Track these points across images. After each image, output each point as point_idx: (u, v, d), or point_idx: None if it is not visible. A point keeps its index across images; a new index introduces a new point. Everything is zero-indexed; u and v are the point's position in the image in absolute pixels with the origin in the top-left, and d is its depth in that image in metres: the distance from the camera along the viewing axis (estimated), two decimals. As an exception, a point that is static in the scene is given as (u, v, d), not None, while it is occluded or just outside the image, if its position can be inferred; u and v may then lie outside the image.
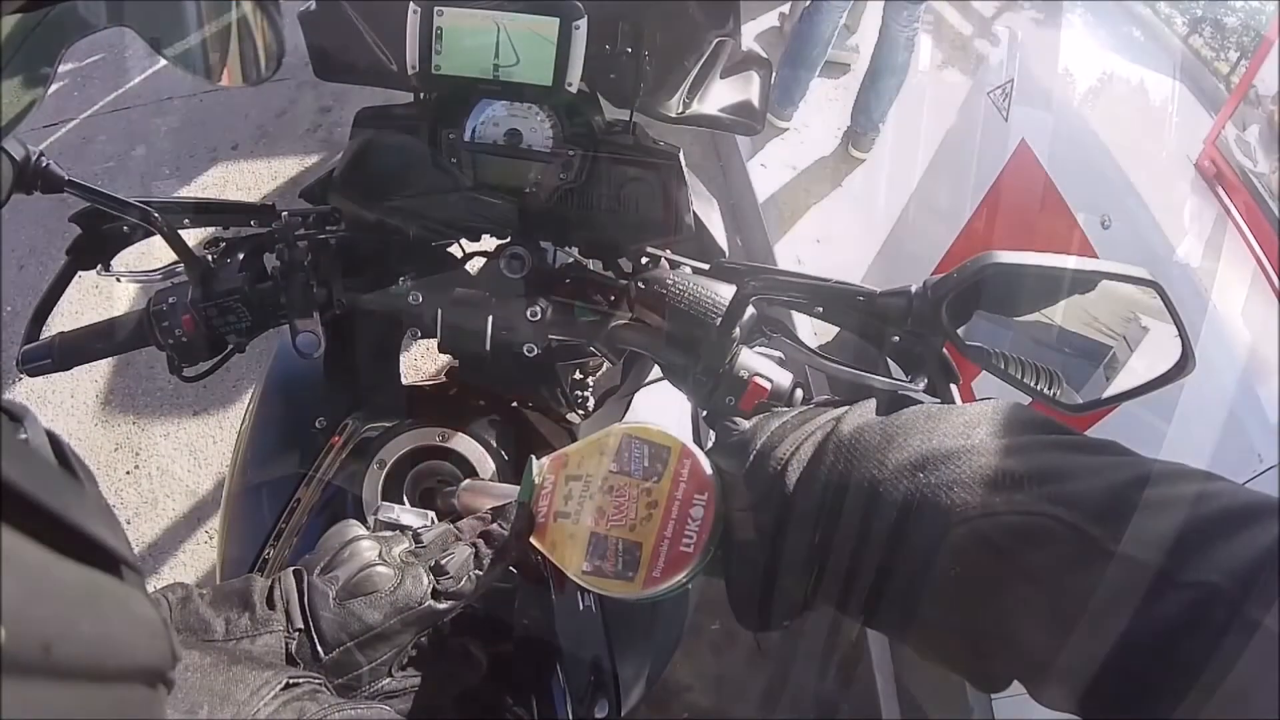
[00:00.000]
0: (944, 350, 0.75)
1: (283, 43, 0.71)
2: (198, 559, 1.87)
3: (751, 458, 0.46)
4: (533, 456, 0.54)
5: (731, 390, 0.67)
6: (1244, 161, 1.38)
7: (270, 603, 0.48)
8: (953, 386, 0.75)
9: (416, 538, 0.53)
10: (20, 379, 2.07)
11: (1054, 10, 4.95)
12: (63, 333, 0.79)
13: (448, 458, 0.75)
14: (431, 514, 0.65)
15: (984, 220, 1.79)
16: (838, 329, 0.76)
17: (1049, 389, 0.60)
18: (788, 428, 0.46)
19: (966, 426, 0.40)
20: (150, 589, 0.35)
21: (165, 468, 2.00)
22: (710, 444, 0.90)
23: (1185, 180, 1.47)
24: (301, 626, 0.47)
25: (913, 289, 0.58)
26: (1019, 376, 0.60)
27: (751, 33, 3.79)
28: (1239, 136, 1.40)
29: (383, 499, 0.73)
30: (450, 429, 0.75)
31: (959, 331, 0.59)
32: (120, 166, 2.80)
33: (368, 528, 0.61)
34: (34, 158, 0.69)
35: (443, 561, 0.50)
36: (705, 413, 0.71)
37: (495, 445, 0.76)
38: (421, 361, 2.19)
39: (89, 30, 0.52)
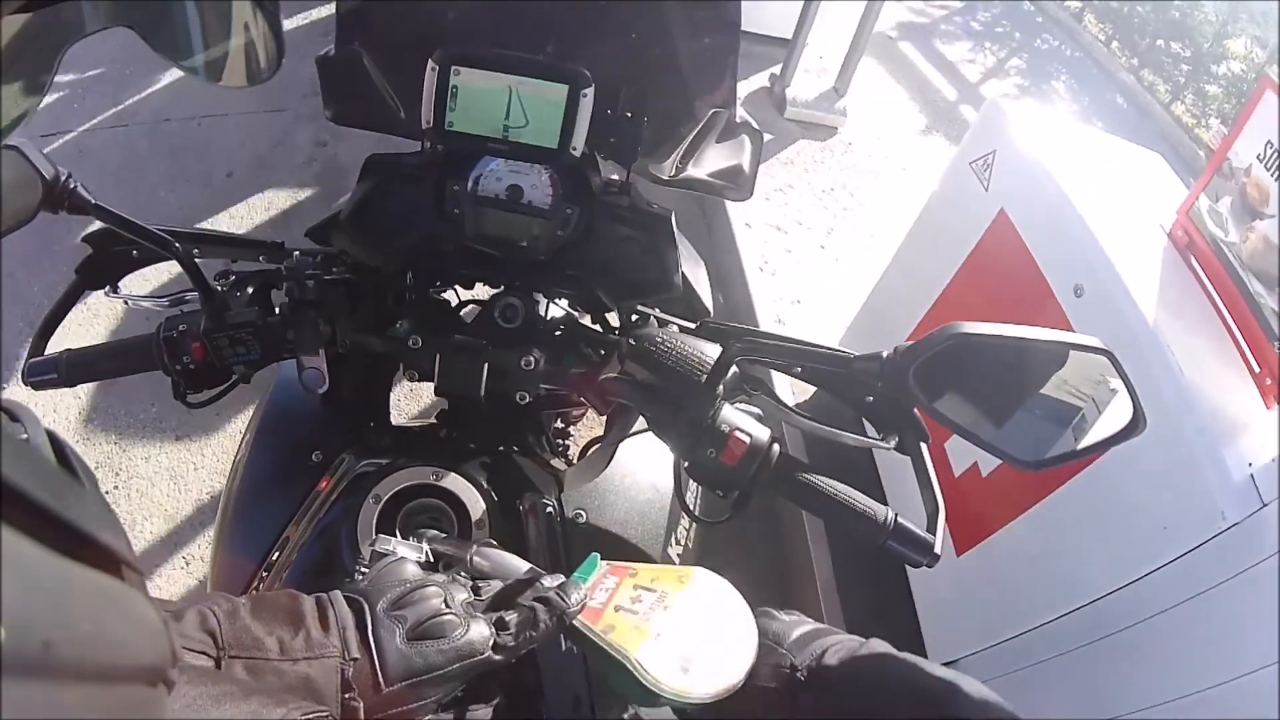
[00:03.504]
0: (915, 411, 0.79)
1: (283, 44, 0.72)
2: (174, 583, 1.85)
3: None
4: (596, 554, 0.64)
5: (713, 443, 0.70)
6: (1215, 231, 1.44)
7: (324, 624, 0.50)
8: (922, 445, 0.78)
9: (475, 590, 0.57)
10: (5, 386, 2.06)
11: (1041, 78, 5.13)
12: (70, 350, 0.81)
13: (440, 496, 0.77)
14: (426, 548, 0.67)
15: (962, 286, 1.84)
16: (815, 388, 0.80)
17: (1009, 448, 0.63)
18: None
19: None
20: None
21: (145, 490, 1.99)
22: (689, 491, 0.94)
23: (1158, 249, 1.54)
24: (357, 656, 0.49)
25: (884, 354, 0.61)
26: (981, 437, 0.63)
27: (743, 92, 3.91)
28: (1211, 207, 1.46)
29: (377, 532, 0.75)
30: (443, 469, 0.77)
31: (926, 394, 0.62)
32: (115, 182, 2.79)
33: (362, 557, 0.63)
34: (63, 178, 0.71)
35: (505, 618, 0.54)
36: (687, 464, 0.74)
37: (485, 486, 0.78)
38: (405, 403, 2.20)
39: (89, 31, 0.54)
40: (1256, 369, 1.32)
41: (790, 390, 2.31)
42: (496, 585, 0.58)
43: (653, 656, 0.54)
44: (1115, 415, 0.63)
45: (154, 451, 2.07)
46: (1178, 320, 1.36)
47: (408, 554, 0.64)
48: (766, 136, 3.35)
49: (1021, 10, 5.93)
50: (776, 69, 3.86)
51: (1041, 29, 5.76)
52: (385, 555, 0.63)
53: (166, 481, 2.01)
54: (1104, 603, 1.34)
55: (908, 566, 1.97)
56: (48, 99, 3.16)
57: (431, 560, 0.68)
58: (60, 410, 2.10)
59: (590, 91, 0.72)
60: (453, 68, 0.73)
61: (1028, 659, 1.51)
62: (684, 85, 0.84)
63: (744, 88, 3.94)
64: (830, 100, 3.82)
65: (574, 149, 0.75)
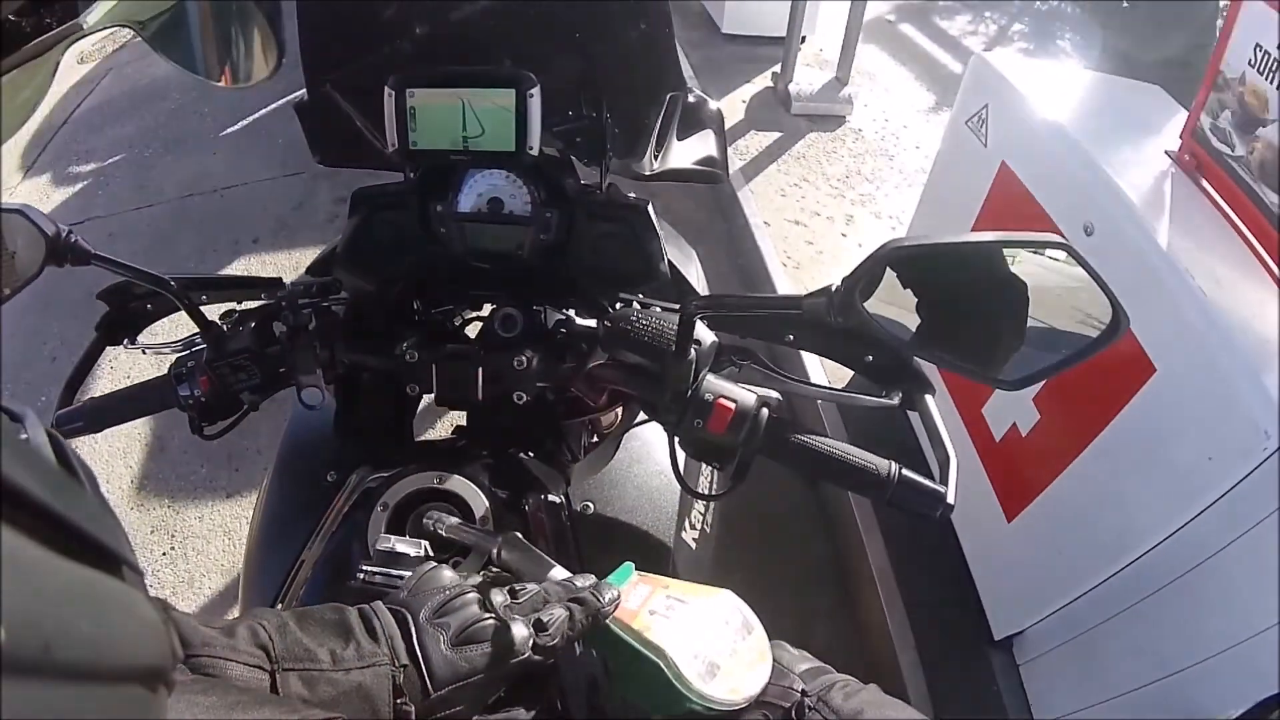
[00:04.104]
0: (916, 365, 0.78)
1: (283, 44, 0.75)
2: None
3: None
4: (630, 564, 0.66)
5: (699, 413, 0.70)
6: (1221, 148, 1.40)
7: (371, 635, 0.52)
8: (927, 398, 0.77)
9: (513, 592, 0.59)
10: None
11: (1046, 39, 5.05)
12: (93, 398, 0.86)
13: (445, 499, 0.79)
14: (424, 543, 0.70)
15: (978, 244, 1.81)
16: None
17: (986, 369, 0.62)
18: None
19: None
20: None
21: (201, 548, 2.06)
22: (702, 475, 0.93)
23: (1166, 176, 1.49)
24: (406, 663, 0.52)
25: (832, 287, 0.61)
26: (955, 360, 0.62)
27: (747, 93, 3.93)
28: (1214, 124, 1.42)
29: None
30: (447, 472, 0.79)
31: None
32: (146, 260, 2.91)
33: (369, 559, 0.66)
34: (64, 233, 0.77)
35: (544, 619, 0.56)
36: (680, 439, 0.74)
37: (488, 485, 0.79)
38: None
39: (89, 31, 0.55)
40: (1284, 277, 1.26)
41: (825, 376, 2.29)
42: (533, 587, 0.60)
43: (684, 659, 0.57)
44: (1093, 319, 0.61)
45: (207, 511, 2.14)
46: (1194, 243, 1.31)
47: (407, 550, 0.67)
48: (775, 134, 3.39)
49: (1018, -26, 5.85)
50: (777, 67, 3.89)
51: (1040, -11, 5.67)
52: (389, 554, 0.66)
53: (221, 538, 2.08)
54: (1162, 549, 1.29)
55: (961, 540, 1.94)
56: (72, 189, 3.35)
57: (431, 554, 0.70)
58: (114, 481, 2.20)
59: (536, 91, 0.74)
60: (407, 90, 0.76)
61: (1093, 620, 1.46)
62: (635, 75, 0.86)
63: (749, 89, 3.98)
64: (834, 90, 3.82)
65: (530, 148, 0.77)
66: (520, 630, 0.55)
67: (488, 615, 0.56)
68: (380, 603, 0.56)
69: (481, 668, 0.53)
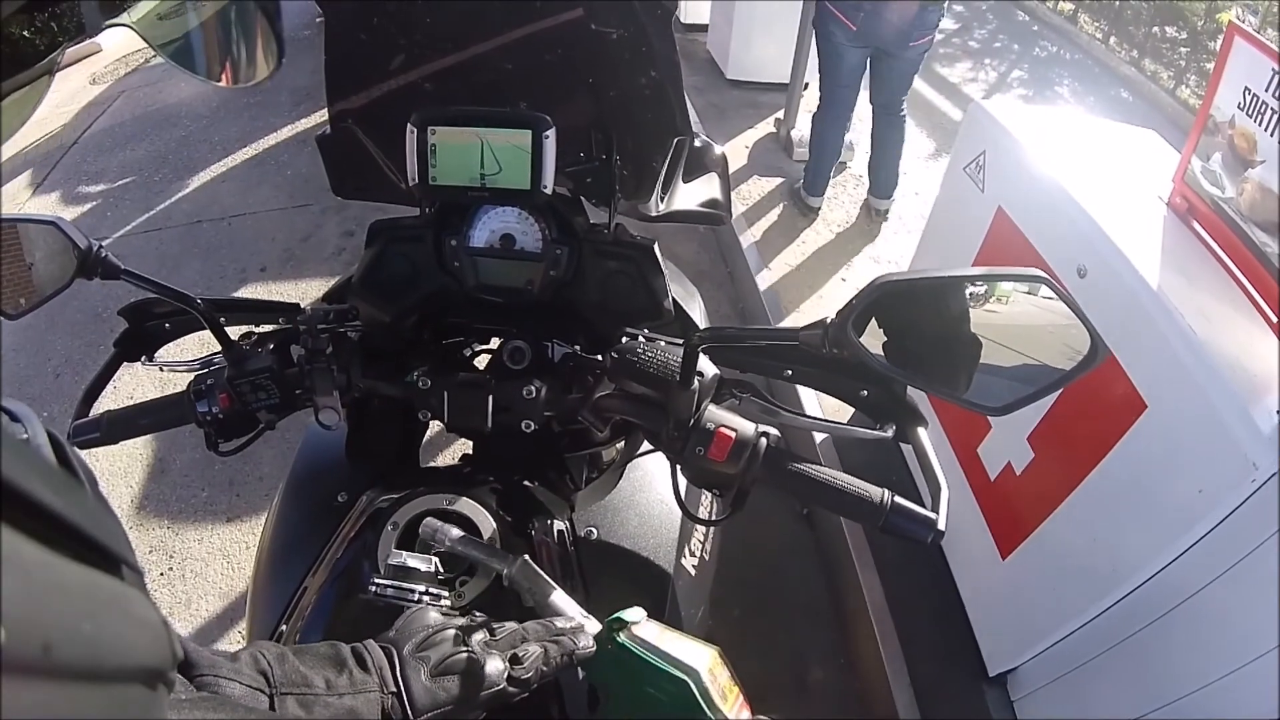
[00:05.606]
0: (909, 398, 0.81)
1: (283, 44, 0.76)
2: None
3: None
4: (642, 609, 0.68)
5: (701, 441, 0.73)
6: (1212, 191, 1.43)
7: (363, 667, 0.57)
8: (920, 430, 0.80)
9: (491, 631, 0.63)
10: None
11: (1043, 85, 5.15)
12: (110, 410, 0.88)
13: (454, 520, 0.81)
14: (435, 559, 0.72)
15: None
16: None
17: (973, 396, 0.65)
18: None
19: None
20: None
21: (199, 570, 2.06)
22: (702, 505, 0.95)
23: (1158, 219, 1.53)
24: (395, 690, 0.56)
25: (827, 320, 0.64)
26: (944, 389, 0.65)
27: (750, 139, 4.01)
28: (1205, 167, 1.45)
29: None
30: (457, 495, 0.82)
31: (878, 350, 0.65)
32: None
33: (380, 575, 0.69)
34: (95, 248, 0.80)
35: (519, 654, 0.62)
36: (681, 466, 0.77)
37: (495, 508, 0.82)
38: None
39: (89, 31, 0.57)
40: (1274, 319, 1.29)
41: (821, 413, 2.32)
42: (511, 626, 0.64)
43: (708, 679, 0.61)
44: (1072, 349, 0.63)
45: (206, 534, 2.15)
46: (1186, 284, 1.34)
47: (418, 564, 0.70)
48: (777, 180, 3.47)
49: (1018, 22, 6.00)
50: (780, 113, 3.97)
51: (1038, 37, 5.81)
52: (401, 568, 0.70)
53: (220, 561, 2.09)
54: (1154, 583, 1.31)
55: (956, 578, 1.95)
56: (80, 209, 3.38)
57: (441, 571, 0.72)
58: (114, 500, 2.19)
59: (551, 133, 0.78)
60: (429, 128, 0.80)
61: (1087, 655, 1.46)
62: (644, 120, 0.90)
63: (752, 135, 4.05)
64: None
65: (544, 187, 0.80)
66: (495, 664, 0.60)
67: (465, 650, 0.60)
68: (370, 640, 0.60)
69: (458, 698, 0.58)
